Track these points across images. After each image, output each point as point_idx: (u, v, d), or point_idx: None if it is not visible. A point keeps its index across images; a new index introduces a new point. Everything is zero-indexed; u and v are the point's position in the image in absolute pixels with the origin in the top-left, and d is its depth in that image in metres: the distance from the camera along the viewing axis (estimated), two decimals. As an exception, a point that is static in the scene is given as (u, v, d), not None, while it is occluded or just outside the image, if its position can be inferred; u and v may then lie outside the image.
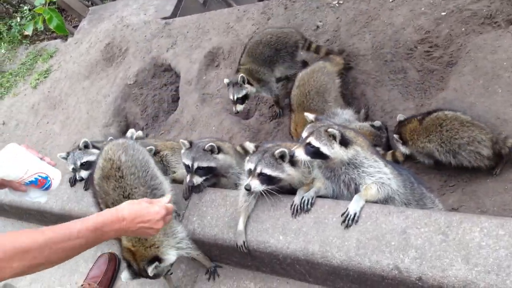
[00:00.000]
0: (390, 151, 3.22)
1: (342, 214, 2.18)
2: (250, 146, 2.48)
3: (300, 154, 2.20)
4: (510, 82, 2.95)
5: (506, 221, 1.85)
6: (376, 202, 2.21)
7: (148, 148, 2.93)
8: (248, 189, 2.29)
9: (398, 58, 3.55)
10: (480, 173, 2.80)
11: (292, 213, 2.35)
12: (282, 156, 2.30)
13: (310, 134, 2.22)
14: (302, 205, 2.33)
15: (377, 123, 3.16)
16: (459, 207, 2.72)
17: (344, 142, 2.19)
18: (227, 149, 2.86)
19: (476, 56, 3.19)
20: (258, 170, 2.29)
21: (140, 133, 3.78)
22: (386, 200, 2.22)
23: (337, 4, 4.13)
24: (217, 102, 4.27)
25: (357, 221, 2.15)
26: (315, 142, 2.17)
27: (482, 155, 2.67)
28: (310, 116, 2.43)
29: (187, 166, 2.71)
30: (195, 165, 2.67)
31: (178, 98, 4.71)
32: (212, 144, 2.67)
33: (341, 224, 2.17)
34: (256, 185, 2.30)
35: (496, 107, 2.91)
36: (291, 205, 2.36)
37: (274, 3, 4.54)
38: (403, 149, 3.03)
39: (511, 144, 2.60)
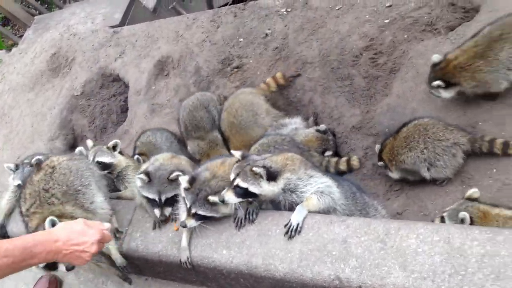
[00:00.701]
0: (345, 159, 3.21)
1: (285, 225, 2.16)
2: (183, 180, 2.35)
3: (230, 197, 2.19)
4: (449, 87, 3.02)
5: (440, 227, 1.87)
6: (319, 212, 2.20)
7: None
8: (184, 226, 2.31)
9: (345, 65, 3.58)
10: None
11: (236, 226, 2.31)
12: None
13: (237, 175, 2.19)
14: (247, 216, 2.30)
15: (322, 126, 3.19)
16: (404, 211, 2.76)
17: (272, 177, 2.17)
18: (188, 168, 2.74)
19: (418, 62, 3.26)
20: (193, 211, 2.29)
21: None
22: (329, 211, 2.20)
23: (285, 12, 4.14)
24: (166, 112, 4.16)
25: (300, 232, 2.14)
26: (242, 184, 2.16)
27: (458, 162, 2.67)
28: (236, 154, 2.32)
29: (153, 200, 2.56)
30: (163, 198, 2.54)
31: (127, 109, 4.57)
32: (178, 173, 2.52)
33: (284, 236, 2.15)
34: (192, 223, 2.31)
35: (436, 113, 2.97)
36: (235, 218, 2.32)
37: (223, 11, 4.50)
38: (391, 174, 2.94)
39: (489, 138, 2.62)
